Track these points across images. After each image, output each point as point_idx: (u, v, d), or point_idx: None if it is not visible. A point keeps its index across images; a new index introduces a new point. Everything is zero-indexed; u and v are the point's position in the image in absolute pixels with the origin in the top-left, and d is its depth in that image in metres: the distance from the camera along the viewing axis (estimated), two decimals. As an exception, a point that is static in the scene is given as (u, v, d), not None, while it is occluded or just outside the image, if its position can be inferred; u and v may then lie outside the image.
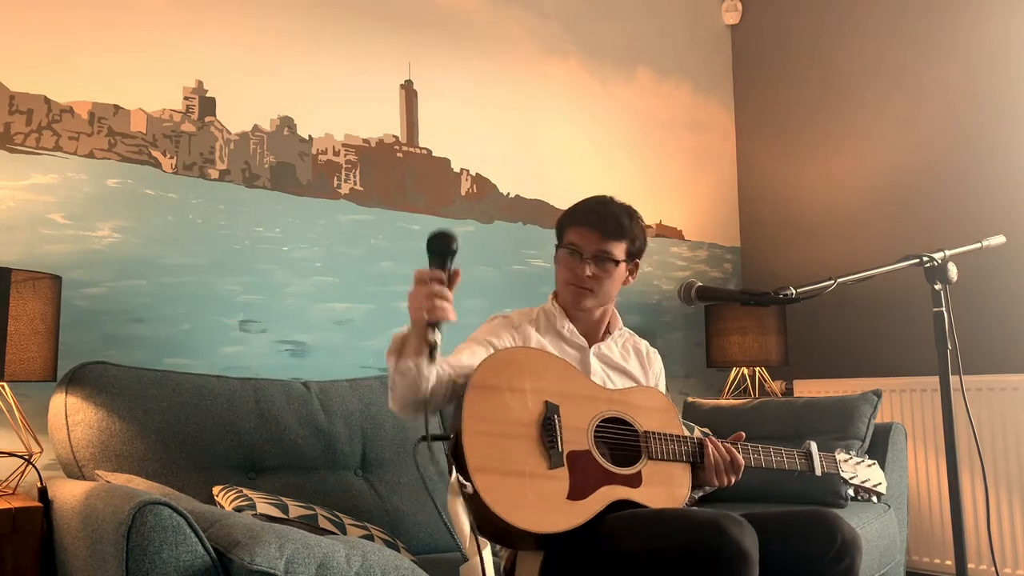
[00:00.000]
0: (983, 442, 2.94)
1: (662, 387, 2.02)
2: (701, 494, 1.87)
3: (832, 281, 1.62)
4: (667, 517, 1.56)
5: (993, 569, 2.88)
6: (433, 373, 1.59)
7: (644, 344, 2.04)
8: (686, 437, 1.77)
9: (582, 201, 1.90)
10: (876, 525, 2.47)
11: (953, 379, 1.67)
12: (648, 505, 1.67)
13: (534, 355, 1.74)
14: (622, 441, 1.73)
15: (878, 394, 2.73)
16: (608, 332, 1.95)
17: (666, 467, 1.73)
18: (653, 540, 1.51)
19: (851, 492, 1.92)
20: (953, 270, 1.68)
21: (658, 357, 2.05)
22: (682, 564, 1.45)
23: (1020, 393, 2.89)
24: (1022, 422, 2.88)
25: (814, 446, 1.88)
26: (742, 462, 1.77)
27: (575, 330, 1.91)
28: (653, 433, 1.74)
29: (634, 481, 1.68)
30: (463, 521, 1.48)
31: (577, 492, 1.60)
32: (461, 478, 1.52)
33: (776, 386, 3.46)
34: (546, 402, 1.66)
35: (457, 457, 1.56)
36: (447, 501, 1.53)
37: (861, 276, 1.67)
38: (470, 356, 1.74)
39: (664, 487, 1.71)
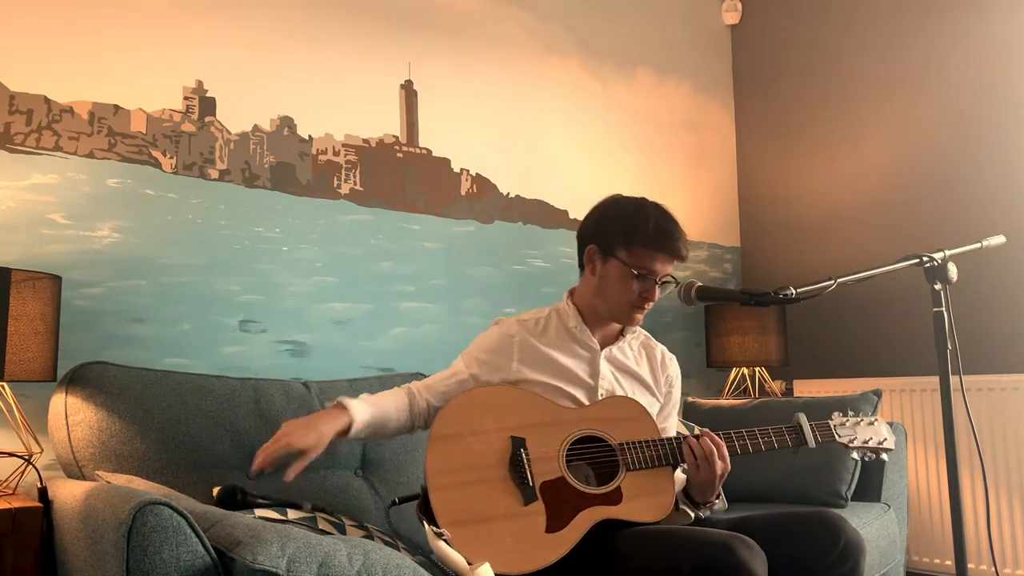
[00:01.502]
0: (983, 442, 2.94)
1: (676, 394, 1.97)
2: (713, 508, 1.81)
3: (832, 281, 1.62)
4: (677, 536, 1.53)
5: (993, 569, 2.88)
6: (390, 419, 1.79)
7: (660, 348, 1.98)
8: (661, 440, 1.73)
9: (656, 222, 1.80)
10: (876, 525, 2.47)
11: (953, 379, 1.67)
12: (632, 520, 1.64)
13: (497, 393, 1.71)
14: (599, 459, 1.70)
15: (878, 394, 2.73)
16: (622, 334, 1.91)
17: (647, 476, 1.70)
18: (662, 559, 1.49)
19: (855, 456, 1.83)
20: (953, 270, 1.68)
21: (674, 362, 1.99)
22: None
23: (1020, 393, 2.89)
24: (1022, 422, 2.88)
25: (803, 417, 1.82)
26: (722, 443, 1.72)
27: (589, 332, 1.86)
28: (628, 444, 1.70)
29: (614, 498, 1.65)
30: (454, 556, 1.47)
31: (555, 523, 1.58)
32: (434, 529, 1.51)
33: (776, 386, 3.46)
34: (511, 437, 1.64)
35: (428, 513, 1.55)
36: (431, 549, 1.52)
37: (861, 276, 1.67)
38: (458, 385, 1.82)
39: (647, 497, 1.68)
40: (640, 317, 1.84)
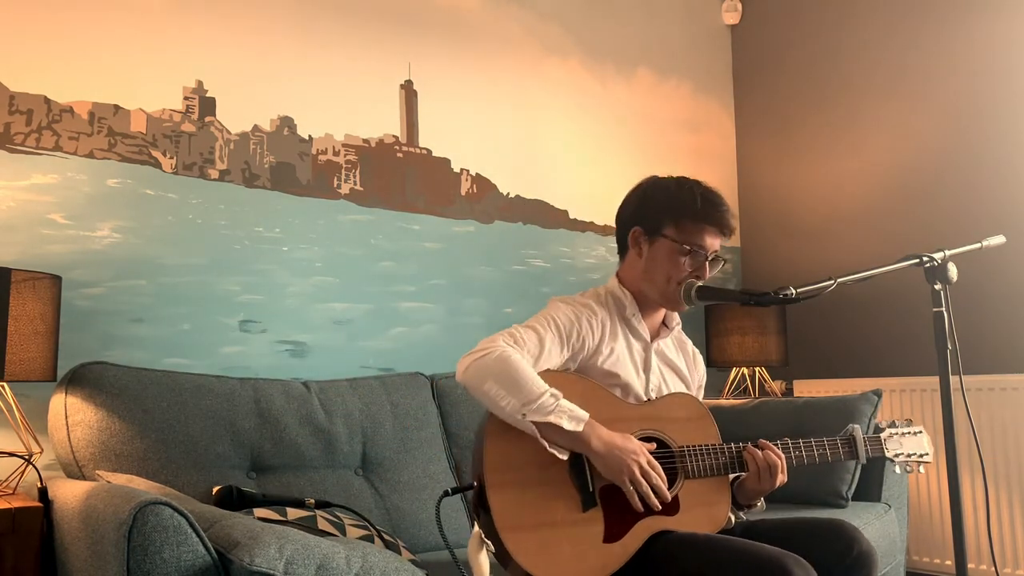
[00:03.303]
0: (983, 442, 2.94)
1: (702, 392, 1.94)
2: (752, 511, 1.77)
3: (832, 281, 1.62)
4: (729, 547, 1.50)
5: (993, 569, 2.88)
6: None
7: (690, 343, 1.96)
8: (723, 447, 1.69)
9: (704, 197, 1.73)
10: (876, 525, 2.47)
11: (953, 379, 1.67)
12: (686, 531, 1.60)
13: (559, 382, 1.60)
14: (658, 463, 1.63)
15: (878, 394, 2.73)
16: (666, 326, 1.85)
17: (704, 484, 1.66)
18: (711, 569, 1.47)
19: (897, 470, 1.83)
20: (953, 270, 1.68)
21: (702, 361, 1.95)
22: None
23: (1020, 393, 2.89)
24: (1022, 422, 2.88)
25: (858, 431, 1.80)
26: (782, 456, 1.70)
27: (643, 322, 1.79)
28: (689, 449, 1.66)
29: (672, 508, 1.61)
30: (483, 568, 1.45)
31: (613, 532, 1.55)
32: (483, 534, 1.48)
33: (776, 386, 3.46)
34: None
35: (483, 510, 1.50)
36: (468, 550, 1.49)
37: (861, 276, 1.67)
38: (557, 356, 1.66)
39: (703, 508, 1.64)
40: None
